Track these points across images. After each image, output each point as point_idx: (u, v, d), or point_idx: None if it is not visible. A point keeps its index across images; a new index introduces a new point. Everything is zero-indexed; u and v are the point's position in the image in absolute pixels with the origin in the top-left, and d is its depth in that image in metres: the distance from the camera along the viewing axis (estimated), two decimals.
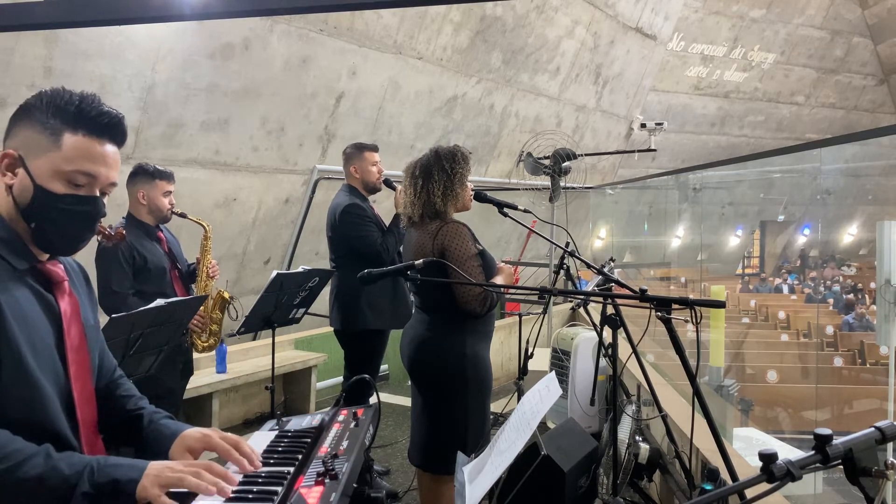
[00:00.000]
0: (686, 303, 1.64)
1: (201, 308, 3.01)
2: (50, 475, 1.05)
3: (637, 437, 2.89)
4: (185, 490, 1.11)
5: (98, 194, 1.23)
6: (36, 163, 1.18)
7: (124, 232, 2.61)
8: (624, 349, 2.66)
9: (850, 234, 16.96)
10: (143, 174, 2.95)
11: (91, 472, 1.07)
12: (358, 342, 3.42)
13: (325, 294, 3.50)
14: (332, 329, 3.55)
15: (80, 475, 1.06)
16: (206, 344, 3.16)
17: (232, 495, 1.13)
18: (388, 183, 3.51)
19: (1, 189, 1.19)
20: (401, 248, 3.41)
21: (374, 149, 3.50)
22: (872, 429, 0.98)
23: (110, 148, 1.23)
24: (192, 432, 1.30)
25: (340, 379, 3.65)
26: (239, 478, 1.22)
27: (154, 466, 1.11)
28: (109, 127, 1.22)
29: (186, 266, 3.17)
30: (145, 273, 2.87)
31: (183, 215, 3.14)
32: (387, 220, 3.50)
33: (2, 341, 1.10)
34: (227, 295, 3.22)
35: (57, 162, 1.17)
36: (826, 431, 0.93)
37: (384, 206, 3.56)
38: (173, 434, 1.31)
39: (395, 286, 3.40)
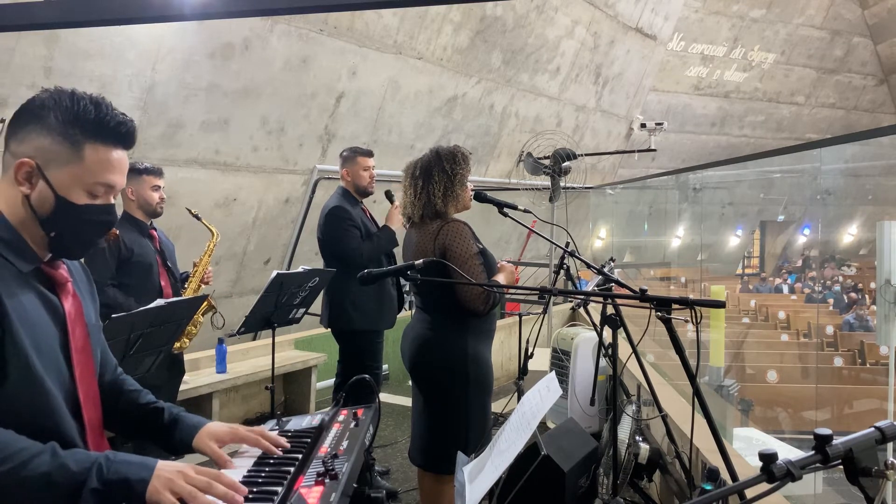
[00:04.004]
0: (686, 303, 1.64)
1: None
2: (57, 472, 1.04)
3: (637, 437, 2.89)
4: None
5: (113, 201, 1.24)
6: (56, 174, 1.17)
7: (117, 232, 2.62)
8: (624, 349, 2.66)
9: (850, 234, 16.95)
10: (130, 172, 2.97)
11: (100, 469, 1.06)
12: (349, 341, 3.49)
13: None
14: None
15: (89, 472, 1.06)
16: (176, 345, 3.14)
17: None
18: (389, 196, 3.56)
19: (8, 192, 1.18)
20: (385, 251, 3.44)
21: (368, 154, 3.54)
22: (872, 429, 0.98)
23: (123, 154, 1.24)
24: (219, 424, 1.37)
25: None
26: (239, 478, 1.22)
27: (164, 468, 1.10)
28: (127, 135, 1.23)
29: (180, 274, 3.18)
30: (130, 265, 2.89)
31: (197, 217, 3.17)
32: (382, 221, 3.52)
33: (8, 344, 1.09)
34: (213, 302, 3.24)
35: (79, 174, 1.17)
36: (826, 431, 0.93)
37: (383, 206, 3.57)
38: (196, 426, 1.36)
39: (381, 287, 3.42)
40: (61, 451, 1.07)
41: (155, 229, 3.08)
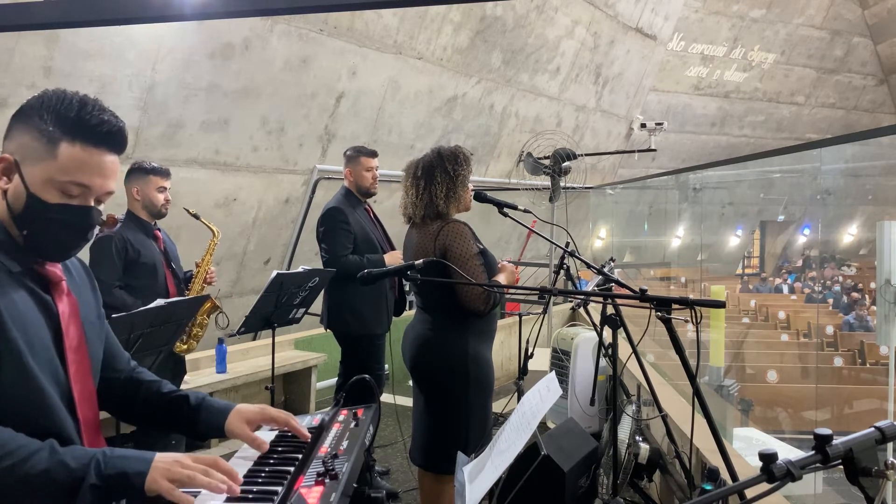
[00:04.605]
0: (686, 303, 1.64)
1: None
2: (56, 469, 1.05)
3: (637, 437, 2.90)
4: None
5: (92, 204, 1.20)
6: (31, 170, 1.16)
7: (116, 217, 2.61)
8: (624, 349, 2.66)
9: (850, 234, 16.95)
10: (137, 171, 2.97)
11: (98, 465, 1.07)
12: (349, 344, 3.49)
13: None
14: None
15: (87, 468, 1.06)
16: (182, 347, 3.13)
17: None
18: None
19: None
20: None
21: (372, 154, 3.53)
22: (872, 429, 0.98)
23: (109, 157, 1.20)
24: (248, 406, 1.38)
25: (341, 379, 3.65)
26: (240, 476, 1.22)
27: (162, 459, 1.11)
28: (108, 136, 1.18)
29: (182, 273, 3.18)
30: (138, 266, 2.88)
31: (196, 216, 3.16)
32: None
33: (1, 342, 1.09)
34: (217, 303, 3.22)
35: (51, 172, 1.15)
36: (826, 431, 0.93)
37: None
38: (225, 409, 1.37)
39: (379, 290, 3.41)
40: (59, 448, 1.07)
41: (159, 230, 3.07)
